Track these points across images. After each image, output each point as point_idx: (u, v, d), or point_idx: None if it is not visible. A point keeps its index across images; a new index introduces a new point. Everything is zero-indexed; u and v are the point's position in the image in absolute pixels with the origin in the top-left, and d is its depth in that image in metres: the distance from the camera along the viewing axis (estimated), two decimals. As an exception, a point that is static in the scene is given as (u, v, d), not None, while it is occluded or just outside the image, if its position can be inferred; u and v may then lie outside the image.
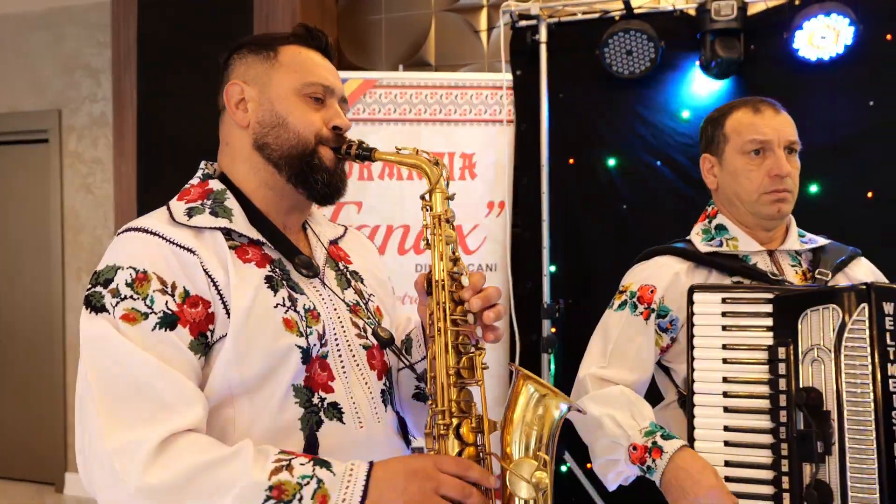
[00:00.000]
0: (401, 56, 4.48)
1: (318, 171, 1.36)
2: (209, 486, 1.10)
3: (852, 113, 3.48)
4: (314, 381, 1.29)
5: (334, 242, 1.53)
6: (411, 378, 1.50)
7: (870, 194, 3.46)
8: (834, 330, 1.52)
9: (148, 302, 1.19)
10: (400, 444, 1.43)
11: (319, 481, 1.12)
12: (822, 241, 1.92)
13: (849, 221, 3.45)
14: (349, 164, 1.41)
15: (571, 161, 3.82)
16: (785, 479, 1.51)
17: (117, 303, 1.19)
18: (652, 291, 1.80)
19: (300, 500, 1.11)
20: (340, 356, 1.35)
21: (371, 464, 1.17)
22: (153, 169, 4.13)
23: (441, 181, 1.36)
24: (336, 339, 1.35)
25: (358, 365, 1.37)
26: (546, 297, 3.70)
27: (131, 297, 1.19)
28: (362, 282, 1.50)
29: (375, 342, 1.42)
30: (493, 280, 3.80)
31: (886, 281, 1.92)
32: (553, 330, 3.67)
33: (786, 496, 1.50)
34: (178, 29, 4.07)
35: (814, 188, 3.52)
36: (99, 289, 1.21)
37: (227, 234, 1.31)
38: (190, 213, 1.31)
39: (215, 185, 1.38)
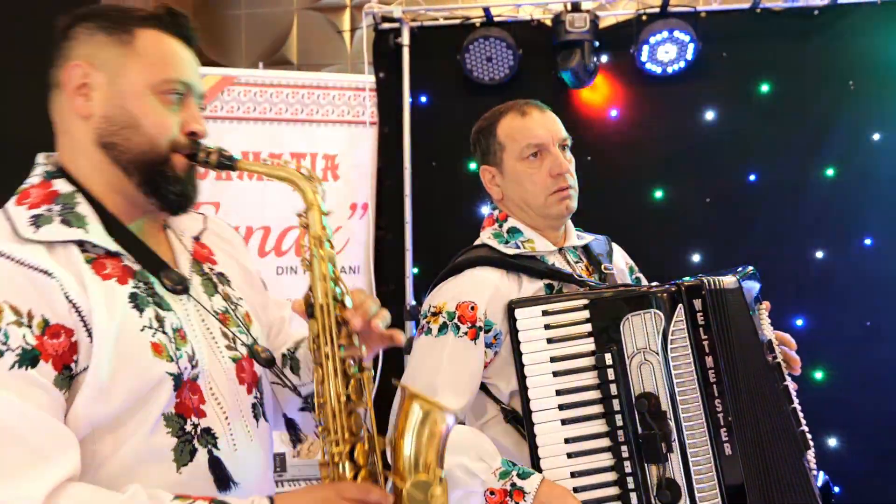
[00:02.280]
0: (261, 53, 4.38)
1: (171, 182, 1.23)
2: None
3: (693, 124, 3.74)
4: (185, 406, 1.20)
5: (197, 239, 1.40)
6: (296, 396, 1.42)
7: (708, 200, 3.73)
8: (658, 334, 1.58)
9: (2, 337, 1.05)
10: (269, 460, 1.37)
11: None
12: (586, 235, 1.97)
13: (690, 225, 3.70)
14: (223, 170, 1.30)
15: (434, 164, 3.87)
16: (629, 479, 1.56)
17: None
18: (473, 308, 1.69)
19: None
20: (211, 374, 1.25)
21: (271, 499, 1.13)
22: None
23: (317, 197, 1.25)
24: (205, 357, 1.25)
25: (230, 380, 1.28)
26: (409, 299, 3.73)
27: None
28: (229, 284, 1.39)
29: (245, 353, 1.32)
30: (355, 282, 3.78)
31: (631, 260, 2.06)
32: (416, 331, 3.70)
33: (633, 495, 1.56)
34: (9, 3, 3.74)
35: (658, 194, 3.75)
36: None
37: (81, 244, 1.17)
38: (36, 222, 1.15)
39: (62, 186, 1.21)
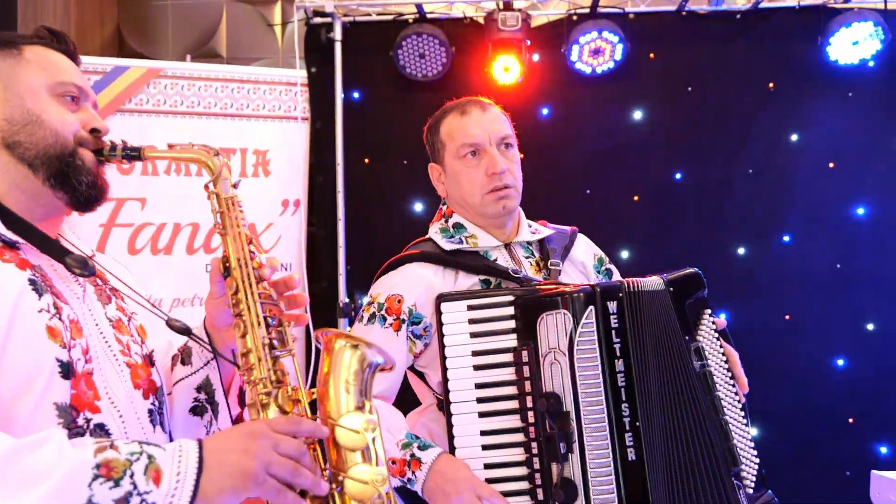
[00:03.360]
0: (189, 46, 4.28)
1: (81, 172, 1.26)
2: (21, 473, 0.98)
3: (621, 123, 3.82)
4: (80, 399, 1.18)
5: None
6: (189, 391, 1.40)
7: (635, 198, 3.82)
8: (567, 334, 1.57)
9: None
10: None
11: (150, 457, 1.04)
12: (545, 230, 1.98)
13: (618, 222, 3.79)
14: (130, 161, 1.30)
15: (367, 161, 3.85)
16: (537, 475, 1.57)
17: None
18: (399, 301, 1.76)
19: (132, 476, 1.01)
20: (105, 374, 1.24)
21: (199, 442, 1.10)
22: None
23: (224, 171, 1.30)
24: (99, 356, 1.24)
25: (124, 383, 1.27)
26: (342, 296, 3.70)
27: None
28: (123, 300, 1.39)
29: (139, 361, 1.32)
30: (287, 279, 3.73)
31: (601, 252, 2.06)
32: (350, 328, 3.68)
33: (539, 491, 1.58)
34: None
35: (588, 191, 3.82)
36: None
37: None
38: None
39: None
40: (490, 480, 1.59)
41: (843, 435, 3.74)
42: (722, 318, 1.80)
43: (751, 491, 1.64)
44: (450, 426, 1.64)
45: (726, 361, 1.74)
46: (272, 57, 4.28)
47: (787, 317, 3.77)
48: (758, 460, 1.69)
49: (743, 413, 1.72)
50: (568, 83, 3.77)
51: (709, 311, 1.75)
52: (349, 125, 3.78)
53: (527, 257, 1.89)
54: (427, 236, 1.91)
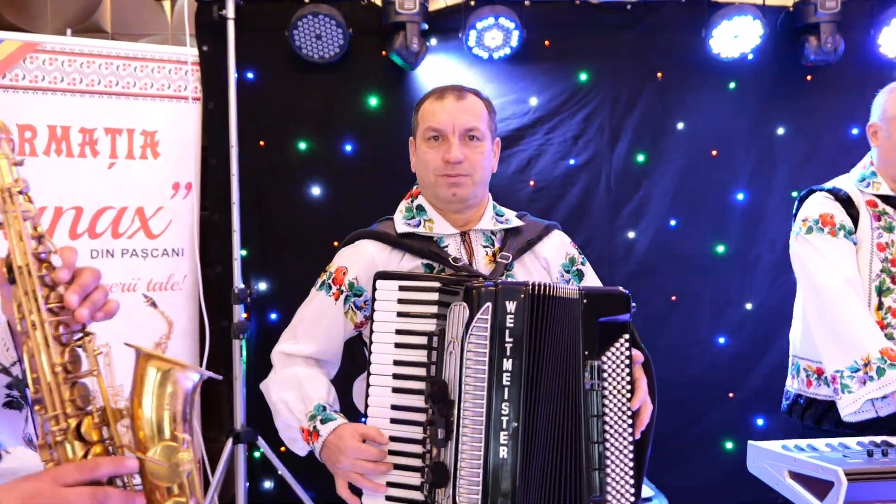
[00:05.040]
0: (70, 19, 4.04)
1: None
2: None
3: (517, 109, 3.87)
4: None
5: None
6: (0, 386, 1.24)
7: (532, 183, 3.89)
8: (463, 326, 1.61)
9: None
10: None
11: None
12: (517, 221, 2.02)
13: (515, 208, 3.83)
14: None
15: (262, 143, 3.76)
16: (428, 455, 1.65)
17: None
18: (344, 273, 1.91)
19: None
20: None
21: None
22: None
23: (3, 144, 1.12)
24: None
25: None
26: (237, 282, 3.61)
27: None
28: None
29: None
30: (180, 265, 3.61)
31: (575, 252, 2.06)
32: (245, 315, 3.60)
33: (427, 470, 1.65)
34: None
35: (486, 176, 3.86)
36: None
37: None
38: None
39: None
40: (392, 452, 1.68)
41: (724, 408, 3.96)
42: (639, 354, 1.72)
43: None
44: (367, 395, 1.73)
45: (630, 392, 1.65)
46: (161, 34, 4.10)
47: (674, 297, 3.94)
48: (633, 499, 1.63)
49: (630, 448, 1.64)
50: (466, 68, 3.79)
51: (627, 336, 1.67)
52: (243, 106, 3.65)
53: (485, 246, 1.95)
54: (391, 216, 2.01)
